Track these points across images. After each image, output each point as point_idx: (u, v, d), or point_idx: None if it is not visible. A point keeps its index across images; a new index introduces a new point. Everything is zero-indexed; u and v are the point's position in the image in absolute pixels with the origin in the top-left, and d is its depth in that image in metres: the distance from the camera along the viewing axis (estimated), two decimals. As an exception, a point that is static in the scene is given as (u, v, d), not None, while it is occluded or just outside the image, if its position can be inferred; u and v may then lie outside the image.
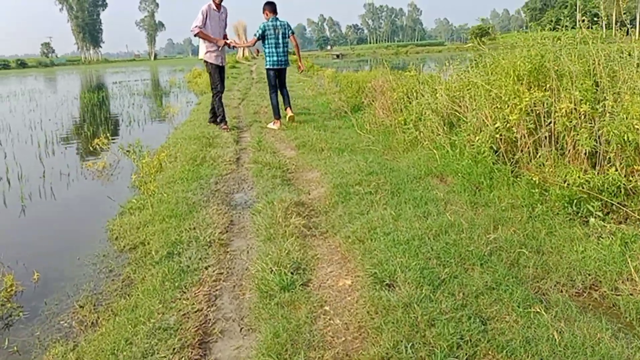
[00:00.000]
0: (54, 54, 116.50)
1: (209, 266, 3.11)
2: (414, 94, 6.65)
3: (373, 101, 8.04)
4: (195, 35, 7.69)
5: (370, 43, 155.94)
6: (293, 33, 8.18)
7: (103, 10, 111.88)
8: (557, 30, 5.51)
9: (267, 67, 8.14)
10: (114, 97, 16.81)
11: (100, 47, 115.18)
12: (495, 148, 4.54)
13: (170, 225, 3.72)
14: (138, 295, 2.80)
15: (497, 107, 4.65)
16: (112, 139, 8.42)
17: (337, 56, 74.07)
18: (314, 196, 4.39)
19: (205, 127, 8.21)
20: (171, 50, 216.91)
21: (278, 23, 8.04)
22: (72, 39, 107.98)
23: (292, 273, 2.85)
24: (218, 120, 8.14)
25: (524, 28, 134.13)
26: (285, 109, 8.37)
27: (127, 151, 4.05)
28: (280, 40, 8.09)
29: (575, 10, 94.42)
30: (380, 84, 7.42)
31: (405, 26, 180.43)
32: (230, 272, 3.08)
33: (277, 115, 8.30)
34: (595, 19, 5.75)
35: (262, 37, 7.95)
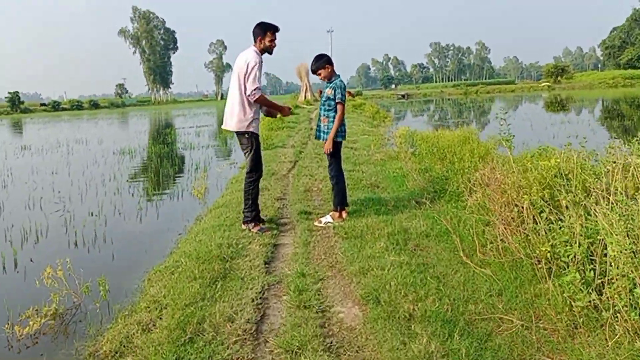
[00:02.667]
0: (128, 94, 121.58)
1: None
2: (565, 200, 3.87)
3: (481, 191, 5.29)
4: (256, 101, 5.23)
5: (436, 82, 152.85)
6: None
7: (174, 53, 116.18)
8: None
9: (342, 140, 5.75)
10: (154, 155, 14.95)
11: (170, 88, 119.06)
12: None
13: None
14: None
15: None
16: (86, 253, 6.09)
17: (403, 96, 71.79)
18: None
19: (231, 224, 5.74)
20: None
21: None
22: (144, 80, 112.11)
23: None
24: (250, 218, 5.60)
25: (600, 67, 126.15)
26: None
27: None
28: None
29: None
30: (496, 177, 4.66)
31: (472, 64, 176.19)
32: None
33: (347, 203, 5.91)
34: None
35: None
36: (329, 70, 5.55)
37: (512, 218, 4.33)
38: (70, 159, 14.60)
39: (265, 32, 5.22)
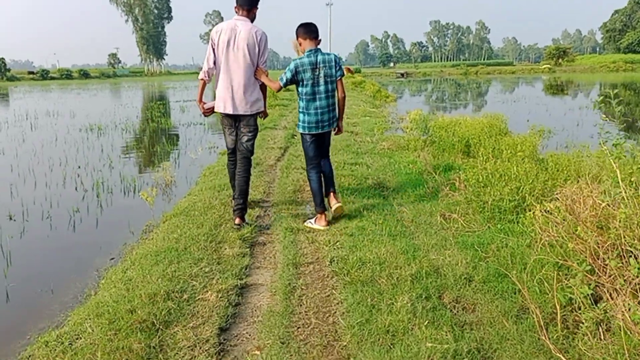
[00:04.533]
0: (121, 64, 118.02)
1: None
2: None
3: (556, 219, 3.56)
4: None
5: (434, 61, 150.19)
6: (342, 75, 4.63)
7: (168, 22, 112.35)
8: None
9: (302, 132, 4.77)
10: (124, 133, 13.17)
11: (164, 59, 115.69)
12: None
13: None
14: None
15: None
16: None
17: (402, 75, 69.56)
18: None
19: (185, 249, 4.03)
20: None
21: (320, 58, 4.44)
22: (137, 50, 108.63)
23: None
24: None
25: (599, 50, 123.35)
26: (327, 195, 4.84)
27: None
28: (323, 87, 4.51)
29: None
30: (592, 202, 2.93)
31: (472, 45, 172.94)
32: None
33: (322, 207, 4.65)
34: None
35: (295, 82, 4.59)
36: (299, 44, 4.60)
37: (619, 272, 2.63)
38: (29, 135, 12.69)
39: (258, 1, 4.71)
